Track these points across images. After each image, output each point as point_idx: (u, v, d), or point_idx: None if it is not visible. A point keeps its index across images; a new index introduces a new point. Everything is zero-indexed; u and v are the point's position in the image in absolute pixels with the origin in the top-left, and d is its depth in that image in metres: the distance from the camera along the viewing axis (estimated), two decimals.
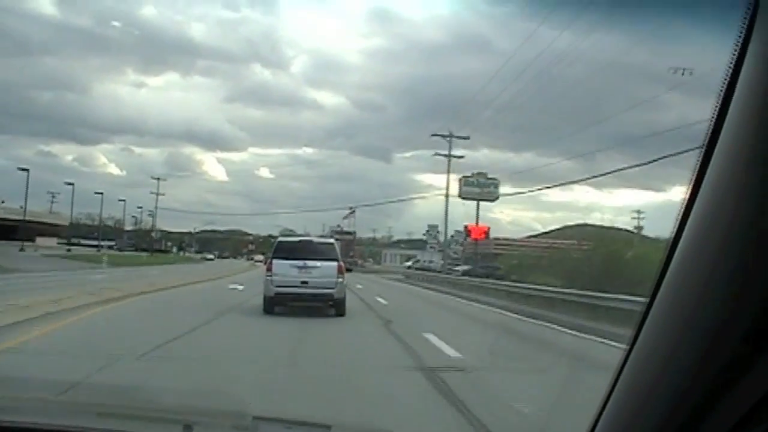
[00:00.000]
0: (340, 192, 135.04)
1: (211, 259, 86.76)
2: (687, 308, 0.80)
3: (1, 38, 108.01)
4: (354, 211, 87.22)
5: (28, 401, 2.14)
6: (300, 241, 15.53)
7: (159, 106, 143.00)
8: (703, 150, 0.81)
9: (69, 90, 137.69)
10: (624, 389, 0.88)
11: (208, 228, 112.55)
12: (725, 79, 0.79)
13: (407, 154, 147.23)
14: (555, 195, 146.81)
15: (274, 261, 14.04)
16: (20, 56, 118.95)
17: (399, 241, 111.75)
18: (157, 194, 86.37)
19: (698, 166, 0.81)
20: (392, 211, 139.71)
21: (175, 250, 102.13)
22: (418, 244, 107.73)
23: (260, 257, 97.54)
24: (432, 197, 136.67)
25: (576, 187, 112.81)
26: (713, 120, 0.80)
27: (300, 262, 13.67)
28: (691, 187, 0.82)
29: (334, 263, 13.91)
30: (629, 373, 0.88)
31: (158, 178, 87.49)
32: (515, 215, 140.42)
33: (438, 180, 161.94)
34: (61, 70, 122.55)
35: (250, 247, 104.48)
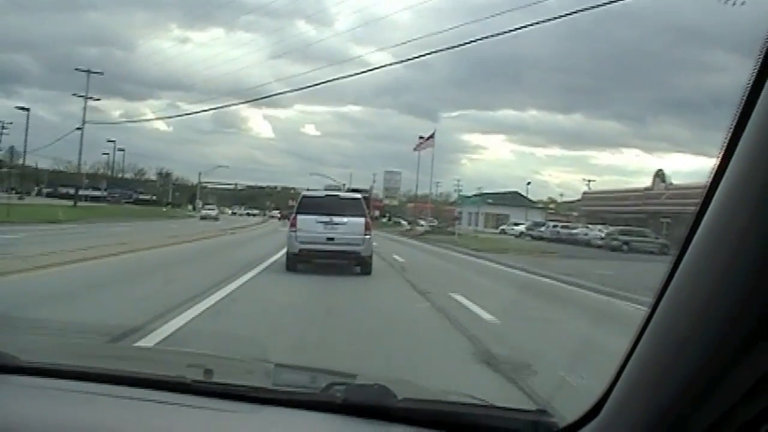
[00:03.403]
0: (387, 151, 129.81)
1: (214, 218, 53.81)
2: (713, 275, 0.81)
3: None
4: (432, 136, 54.64)
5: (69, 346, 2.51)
6: (326, 196, 13.94)
7: (204, 62, 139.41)
8: (738, 115, 0.79)
9: (115, 46, 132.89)
10: (644, 354, 0.89)
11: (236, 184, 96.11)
12: (758, 60, 0.77)
13: (454, 114, 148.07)
14: (604, 158, 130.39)
15: (299, 216, 12.95)
16: (65, 11, 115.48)
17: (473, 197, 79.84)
18: (84, 113, 55.58)
19: (730, 134, 0.79)
20: (437, 172, 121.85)
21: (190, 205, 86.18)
22: (506, 200, 73.83)
23: (276, 212, 78.92)
24: (481, 158, 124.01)
25: (625, 150, 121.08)
26: (745, 94, 0.78)
27: (326, 218, 12.77)
28: (723, 151, 0.80)
29: (361, 219, 13.00)
30: (649, 338, 0.89)
31: (86, 97, 54.88)
32: (563, 177, 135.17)
33: (484, 140, 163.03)
34: (106, 26, 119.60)
35: (291, 203, 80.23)
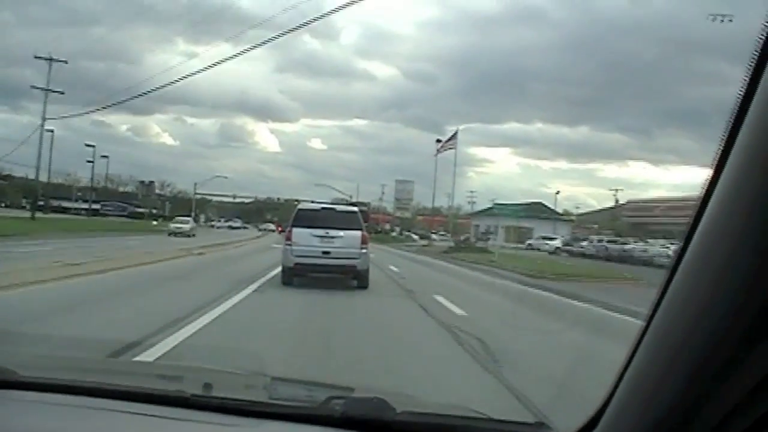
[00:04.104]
0: (393, 164, 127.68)
1: (187, 234, 41.60)
2: (707, 284, 0.81)
3: (51, 8, 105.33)
4: (455, 136, 47.97)
5: (70, 360, 2.42)
6: (322, 209, 13.51)
7: (211, 76, 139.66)
8: (733, 118, 0.79)
9: (121, 60, 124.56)
10: (640, 364, 0.90)
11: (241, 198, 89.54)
12: (747, 75, 0.78)
13: (460, 127, 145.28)
14: (611, 171, 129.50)
15: (294, 229, 12.61)
16: (70, 26, 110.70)
17: (482, 212, 75.77)
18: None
19: (722, 145, 0.81)
20: (444, 185, 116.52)
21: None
22: (531, 211, 65.93)
23: (270, 225, 73.12)
24: (487, 172, 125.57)
25: (632, 162, 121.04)
26: (740, 98, 0.79)
27: (322, 231, 12.41)
28: (716, 161, 0.81)
29: (358, 233, 12.63)
30: (646, 348, 0.89)
31: (47, 90, 45.68)
32: (570, 191, 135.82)
33: (490, 153, 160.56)
34: (112, 41, 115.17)
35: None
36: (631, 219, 53.41)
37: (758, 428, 0.80)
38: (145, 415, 1.29)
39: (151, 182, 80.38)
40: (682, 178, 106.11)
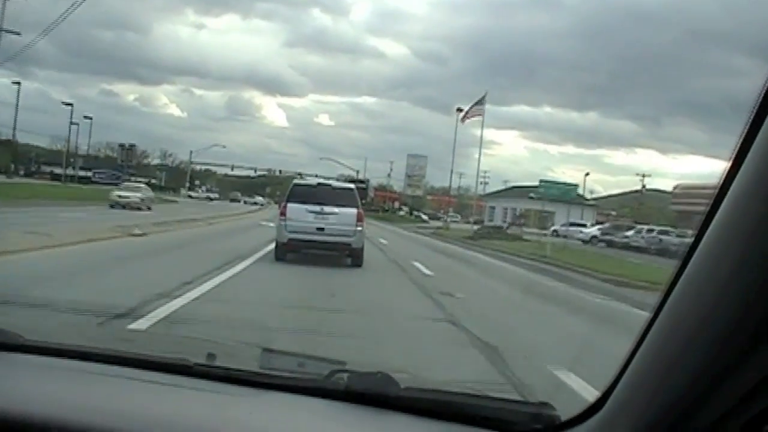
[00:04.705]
0: (401, 143, 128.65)
1: (137, 207, 31.13)
2: (721, 277, 0.80)
3: None
4: (483, 102, 42.14)
5: (71, 327, 2.56)
6: (317, 185, 13.74)
7: (219, 49, 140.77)
8: (751, 118, 0.77)
9: (130, 29, 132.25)
10: (647, 353, 0.90)
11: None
12: None
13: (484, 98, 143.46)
14: (618, 157, 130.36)
15: (289, 205, 12.52)
16: None
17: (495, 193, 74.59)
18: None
19: (743, 137, 0.79)
20: (449, 166, 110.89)
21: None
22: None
23: (260, 199, 71.12)
24: (495, 154, 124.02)
25: (640, 150, 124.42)
26: (760, 97, 0.77)
27: (317, 207, 12.32)
28: (735, 153, 0.79)
29: (353, 210, 12.58)
30: (654, 338, 0.89)
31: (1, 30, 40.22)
32: (577, 176, 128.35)
33: (498, 135, 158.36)
34: (121, 9, 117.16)
35: None
36: (679, 207, 46.63)
37: (765, 419, 0.79)
38: (150, 381, 1.29)
39: (132, 146, 73.40)
40: (690, 168, 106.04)
